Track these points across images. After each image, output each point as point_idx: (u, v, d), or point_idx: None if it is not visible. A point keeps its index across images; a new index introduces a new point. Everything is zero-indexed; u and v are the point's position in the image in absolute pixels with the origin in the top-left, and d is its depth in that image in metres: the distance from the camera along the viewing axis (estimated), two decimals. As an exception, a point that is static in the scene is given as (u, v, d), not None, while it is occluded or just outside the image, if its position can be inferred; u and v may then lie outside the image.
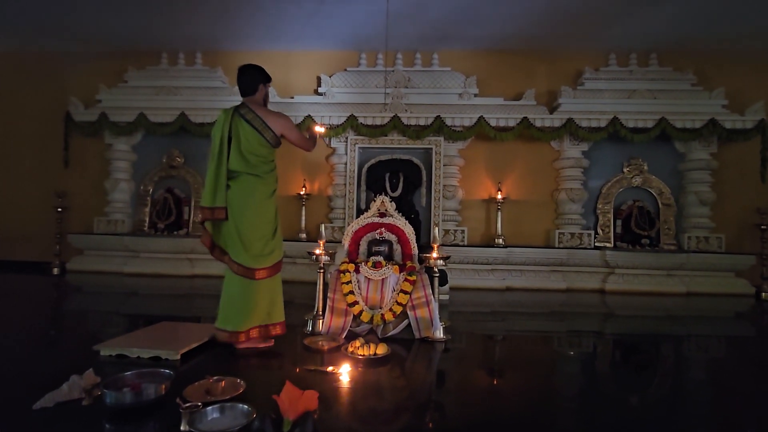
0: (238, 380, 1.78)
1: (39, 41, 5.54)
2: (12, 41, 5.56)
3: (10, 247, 5.75)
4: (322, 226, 2.97)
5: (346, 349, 2.32)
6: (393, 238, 3.05)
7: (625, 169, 5.19)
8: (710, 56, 5.21)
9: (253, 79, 2.47)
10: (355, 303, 2.75)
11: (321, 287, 2.81)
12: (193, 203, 5.44)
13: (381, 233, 3.04)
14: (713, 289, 4.69)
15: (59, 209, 5.46)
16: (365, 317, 2.71)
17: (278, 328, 2.50)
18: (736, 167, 5.12)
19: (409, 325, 2.72)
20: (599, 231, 5.13)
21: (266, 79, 2.51)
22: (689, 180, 5.01)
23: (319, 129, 2.74)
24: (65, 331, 3.01)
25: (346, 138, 5.21)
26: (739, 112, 4.86)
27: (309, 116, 5.07)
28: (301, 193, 5.28)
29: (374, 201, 3.14)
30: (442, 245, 4.71)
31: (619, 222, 5.14)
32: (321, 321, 2.74)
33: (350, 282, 2.80)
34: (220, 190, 2.31)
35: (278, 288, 2.52)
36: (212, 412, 1.48)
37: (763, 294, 4.59)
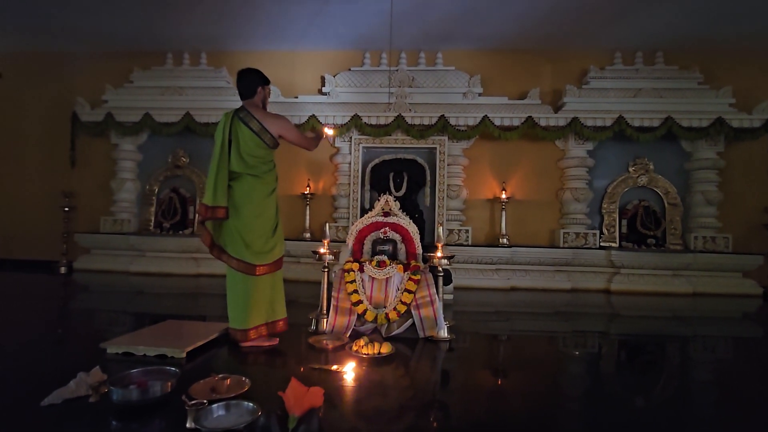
0: (243, 378, 1.79)
1: (45, 42, 5.59)
2: (18, 42, 5.62)
3: (18, 246, 5.81)
4: (327, 226, 2.98)
5: (351, 348, 2.33)
6: (397, 237, 3.05)
7: (630, 169, 5.16)
8: (717, 54, 5.17)
9: (251, 82, 2.50)
10: (360, 302, 2.75)
11: (325, 286, 2.82)
12: (198, 203, 5.47)
13: (385, 232, 3.05)
14: (720, 290, 4.65)
15: (66, 209, 5.51)
16: (369, 316, 2.72)
17: (281, 324, 2.54)
18: (744, 166, 5.08)
19: (413, 324, 2.72)
20: (604, 231, 5.10)
21: (264, 81, 2.54)
22: (696, 179, 4.97)
23: (328, 131, 2.75)
24: (72, 329, 3.03)
25: (350, 137, 5.22)
26: (746, 111, 4.82)
27: (313, 116, 5.09)
28: (306, 192, 5.30)
29: (378, 200, 3.15)
30: (447, 245, 4.71)
31: (624, 222, 5.11)
32: (325, 320, 2.75)
33: (354, 281, 2.81)
34: (220, 190, 2.35)
35: (279, 284, 2.56)
36: (218, 410, 1.50)
37: (771, 294, 4.55)
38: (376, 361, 2.19)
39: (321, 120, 5.08)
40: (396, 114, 5.00)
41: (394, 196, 4.66)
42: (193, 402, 1.43)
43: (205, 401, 1.47)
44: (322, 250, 2.80)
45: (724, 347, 3.00)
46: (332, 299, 2.79)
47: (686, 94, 4.92)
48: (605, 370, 2.46)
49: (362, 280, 2.82)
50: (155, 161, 5.64)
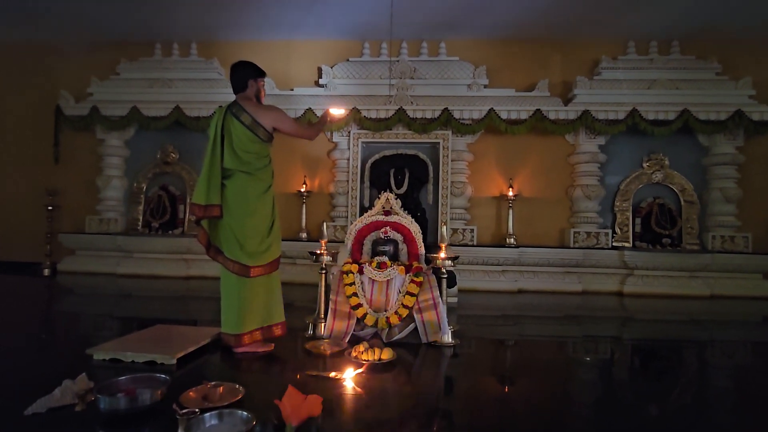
0: (237, 386, 1.79)
1: (28, 32, 5.58)
2: None
3: (-1, 247, 5.83)
4: (324, 225, 2.97)
5: (350, 353, 2.33)
6: (398, 237, 3.05)
7: (644, 165, 5.16)
8: (736, 44, 5.16)
9: (242, 75, 2.53)
10: (359, 305, 2.76)
11: (323, 289, 2.82)
12: (188, 201, 5.47)
13: (386, 232, 3.05)
14: (739, 292, 4.65)
15: (50, 207, 5.52)
16: (369, 320, 2.72)
17: (279, 329, 2.54)
18: (764, 162, 5.08)
19: (415, 329, 2.72)
20: (617, 230, 5.10)
21: (257, 74, 2.56)
22: (713, 176, 4.97)
23: (335, 112, 2.75)
24: (57, 334, 3.04)
25: (349, 132, 5.22)
26: (767, 103, 4.81)
27: (309, 109, 5.09)
28: (302, 190, 5.30)
29: (378, 198, 3.15)
30: (450, 245, 4.71)
31: (638, 220, 5.12)
32: (323, 324, 2.75)
33: (354, 283, 2.81)
34: (213, 187, 2.37)
35: (276, 287, 2.56)
36: (210, 419, 1.49)
37: (793, 297, 4.55)
38: (377, 368, 2.19)
39: (317, 114, 5.07)
40: (397, 107, 5.00)
41: (395, 194, 4.66)
42: (184, 411, 1.43)
43: (196, 410, 1.47)
44: (319, 251, 2.80)
45: (744, 353, 3.00)
46: (330, 302, 2.80)
47: (703, 85, 4.92)
48: (618, 377, 2.46)
49: (362, 283, 2.83)
50: (143, 157, 5.64)
